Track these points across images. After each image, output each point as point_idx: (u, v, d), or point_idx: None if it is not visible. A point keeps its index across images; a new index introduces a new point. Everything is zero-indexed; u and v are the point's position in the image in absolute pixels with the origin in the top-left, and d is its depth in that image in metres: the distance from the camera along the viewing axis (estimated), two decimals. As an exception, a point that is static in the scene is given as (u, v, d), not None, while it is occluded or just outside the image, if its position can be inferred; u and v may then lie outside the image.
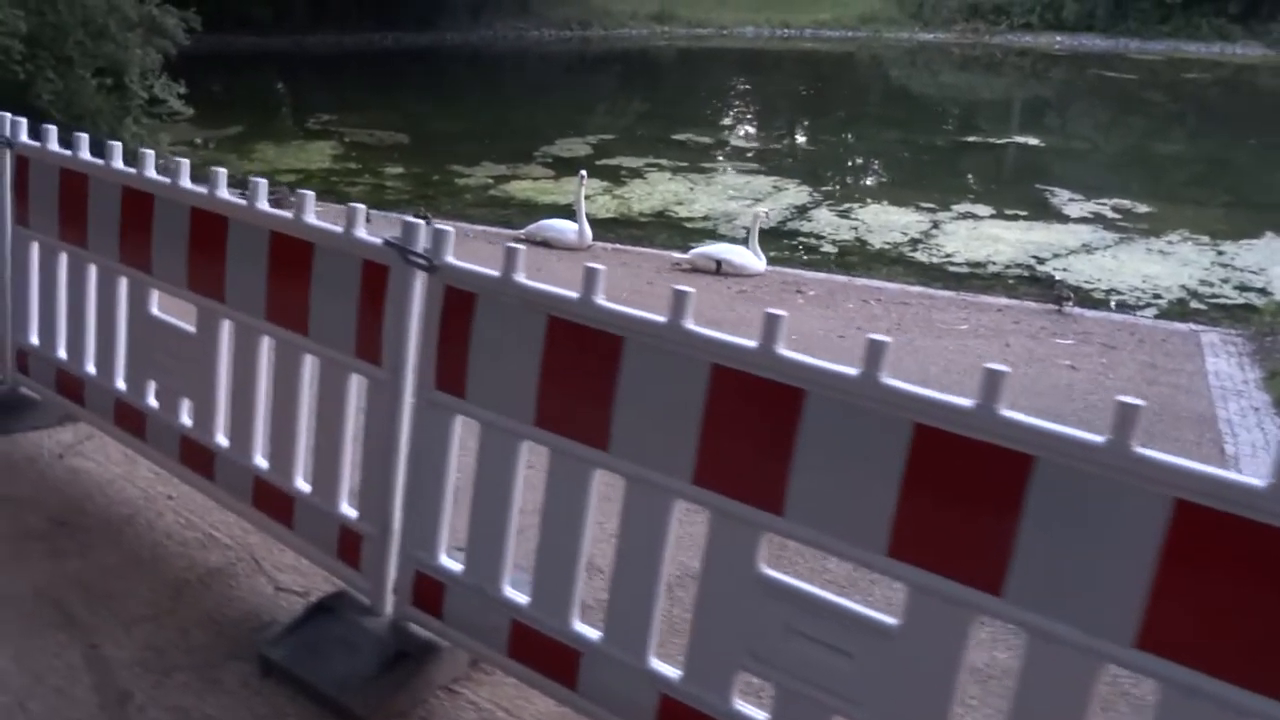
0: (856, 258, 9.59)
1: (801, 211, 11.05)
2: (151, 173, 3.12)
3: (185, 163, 3.03)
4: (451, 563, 2.45)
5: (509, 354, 2.28)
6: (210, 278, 2.94)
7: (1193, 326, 7.53)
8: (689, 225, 10.60)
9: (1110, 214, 11.46)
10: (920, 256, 9.65)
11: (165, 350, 3.14)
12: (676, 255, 8.62)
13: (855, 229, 10.55)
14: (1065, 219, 11.20)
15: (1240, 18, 32.59)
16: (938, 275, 9.12)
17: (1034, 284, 8.96)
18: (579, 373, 2.18)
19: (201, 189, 2.94)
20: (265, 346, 2.86)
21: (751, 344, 1.94)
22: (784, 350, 1.90)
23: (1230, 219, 11.69)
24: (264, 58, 24.51)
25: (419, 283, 2.42)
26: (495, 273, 2.29)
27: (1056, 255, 9.73)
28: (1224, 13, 32.81)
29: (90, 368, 3.46)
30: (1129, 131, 19.23)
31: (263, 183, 2.79)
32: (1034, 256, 9.66)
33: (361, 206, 2.56)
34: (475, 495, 2.38)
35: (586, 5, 34.54)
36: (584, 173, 9.10)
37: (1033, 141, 16.82)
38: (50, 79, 9.13)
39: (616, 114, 20.29)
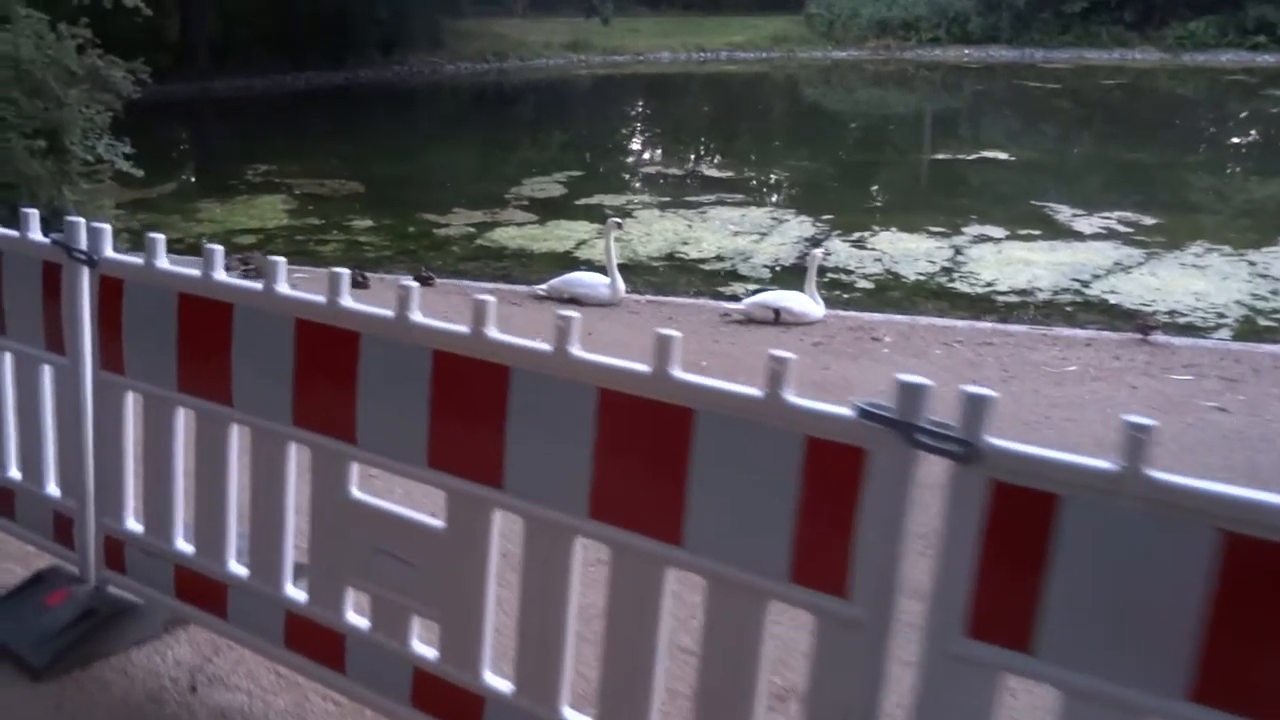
0: (898, 292, 8.99)
1: (814, 245, 10.39)
2: (348, 300, 2.19)
3: (415, 287, 2.12)
4: None
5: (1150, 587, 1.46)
6: (470, 452, 2.04)
7: (1290, 348, 7.15)
8: (705, 267, 9.83)
9: (1121, 228, 11.15)
10: (962, 287, 9.09)
11: (380, 549, 2.21)
12: (727, 305, 7.82)
13: (879, 260, 9.95)
14: (1080, 236, 10.83)
15: (1136, 25, 33.89)
16: (988, 307, 8.56)
17: (1089, 309, 8.49)
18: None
19: (461, 328, 2.03)
20: (579, 554, 1.97)
21: None
22: None
23: (1238, 226, 11.55)
24: (169, 106, 22.72)
25: (919, 472, 1.59)
26: (1107, 465, 1.47)
27: (1096, 276, 9.31)
28: (1120, 20, 34.05)
29: (237, 568, 2.49)
30: (1084, 141, 19.30)
31: (576, 318, 1.90)
32: (1075, 279, 9.21)
33: (788, 356, 1.70)
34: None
35: (500, 37, 33.74)
36: (618, 220, 8.24)
37: (1000, 156, 16.59)
38: (-22, 146, 7.83)
39: (566, 148, 19.44)
